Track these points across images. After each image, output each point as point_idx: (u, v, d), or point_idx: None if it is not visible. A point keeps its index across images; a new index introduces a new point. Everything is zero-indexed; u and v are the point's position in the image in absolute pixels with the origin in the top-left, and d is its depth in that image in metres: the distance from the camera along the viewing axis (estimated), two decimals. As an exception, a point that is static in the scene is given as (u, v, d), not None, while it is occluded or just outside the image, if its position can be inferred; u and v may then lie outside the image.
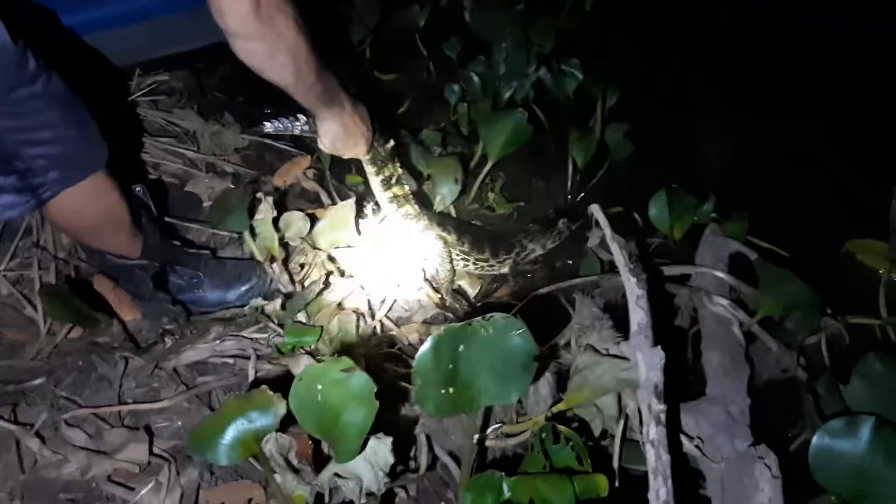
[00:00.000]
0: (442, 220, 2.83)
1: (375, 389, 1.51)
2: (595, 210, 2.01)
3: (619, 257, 1.85)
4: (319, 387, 1.53)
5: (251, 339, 2.29)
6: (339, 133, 2.22)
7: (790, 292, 2.38)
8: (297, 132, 2.31)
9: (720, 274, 2.53)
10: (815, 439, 1.92)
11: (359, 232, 2.67)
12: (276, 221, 2.48)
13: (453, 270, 2.78)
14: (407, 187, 2.69)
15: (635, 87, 3.55)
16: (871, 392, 2.09)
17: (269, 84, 1.97)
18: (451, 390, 1.60)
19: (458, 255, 2.83)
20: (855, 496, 1.88)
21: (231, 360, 2.25)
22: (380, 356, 2.33)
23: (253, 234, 2.45)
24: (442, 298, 2.67)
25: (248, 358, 2.21)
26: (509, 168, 3.33)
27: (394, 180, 2.63)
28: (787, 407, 2.44)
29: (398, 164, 2.63)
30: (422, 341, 2.47)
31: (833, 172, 3.29)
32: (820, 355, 2.57)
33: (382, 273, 2.59)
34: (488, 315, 1.63)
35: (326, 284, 2.46)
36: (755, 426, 2.08)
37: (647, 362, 1.69)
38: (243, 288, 2.45)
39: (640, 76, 3.65)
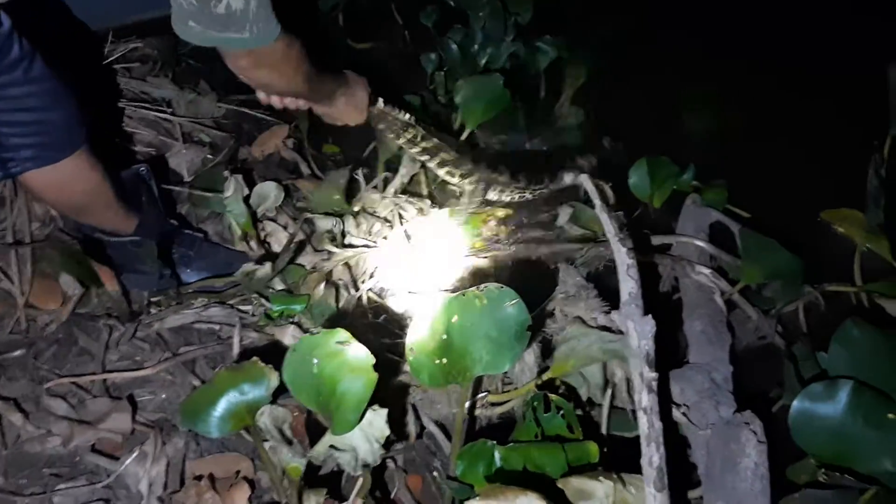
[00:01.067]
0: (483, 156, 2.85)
1: (374, 361, 1.50)
2: (584, 180, 2.01)
3: (609, 227, 1.85)
4: (315, 359, 1.52)
5: (237, 308, 2.28)
6: (337, 112, 2.33)
7: (773, 261, 2.40)
8: None
9: (701, 243, 2.56)
10: (795, 403, 1.95)
11: (348, 202, 2.66)
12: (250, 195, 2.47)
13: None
14: (435, 140, 2.67)
15: (611, 59, 3.55)
16: (850, 357, 2.12)
17: None
18: (444, 360, 1.61)
19: (514, 190, 2.86)
20: (835, 457, 1.92)
21: (216, 327, 2.24)
22: (364, 327, 2.32)
23: (230, 211, 2.44)
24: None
25: (233, 325, 2.19)
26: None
27: (418, 138, 2.63)
28: (767, 372, 2.47)
29: (420, 127, 2.61)
30: (408, 311, 2.53)
31: (809, 142, 3.31)
32: (797, 322, 2.61)
33: (369, 241, 2.57)
34: (482, 285, 1.63)
35: (299, 250, 2.45)
36: (738, 392, 2.11)
37: (638, 331, 1.69)
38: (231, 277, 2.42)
39: (618, 48, 3.64)
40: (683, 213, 2.75)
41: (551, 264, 2.67)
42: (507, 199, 2.90)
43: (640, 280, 1.79)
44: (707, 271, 2.45)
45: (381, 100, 2.51)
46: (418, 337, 1.59)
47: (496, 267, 2.71)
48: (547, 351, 2.09)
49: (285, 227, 2.55)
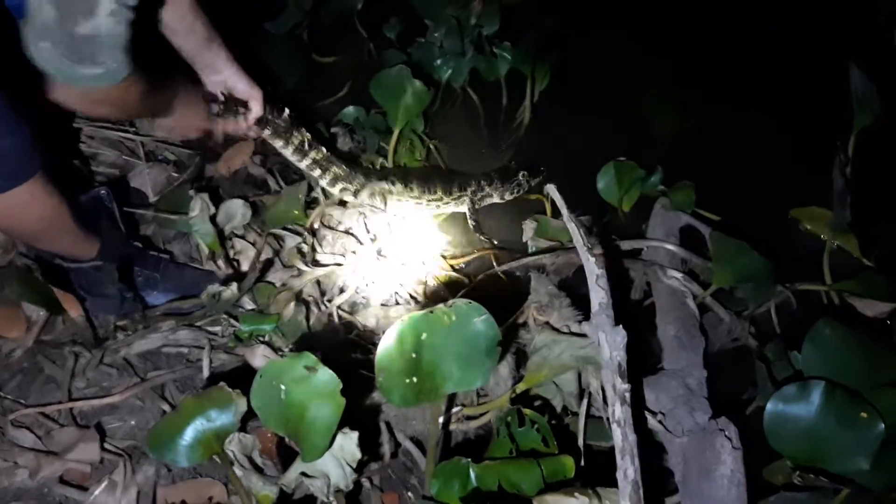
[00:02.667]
0: (380, 172, 2.84)
1: (342, 386, 1.48)
2: (551, 190, 1.99)
3: (577, 238, 1.84)
4: (282, 385, 1.49)
5: (205, 330, 2.24)
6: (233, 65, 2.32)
7: (744, 264, 2.41)
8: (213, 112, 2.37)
9: (672, 247, 2.57)
10: (769, 406, 1.98)
11: (306, 214, 2.64)
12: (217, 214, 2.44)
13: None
14: (324, 149, 2.67)
15: (573, 62, 3.55)
16: (822, 357, 2.15)
17: None
18: (414, 379, 1.59)
19: (407, 201, 2.84)
20: (809, 458, 1.95)
21: (185, 350, 2.20)
22: (336, 344, 2.29)
23: (196, 231, 2.40)
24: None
25: (202, 348, 2.16)
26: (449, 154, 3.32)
27: (306, 146, 2.63)
28: (740, 374, 2.48)
29: (304, 130, 2.62)
30: (379, 326, 2.51)
31: (776, 142, 3.33)
32: (769, 322, 2.62)
33: (338, 256, 2.55)
34: (450, 301, 1.61)
35: (266, 269, 2.42)
36: (712, 396, 2.12)
37: (609, 342, 1.68)
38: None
39: (580, 51, 3.63)
40: (653, 217, 2.76)
41: (522, 274, 2.68)
42: (427, 208, 2.91)
43: (609, 290, 1.78)
44: (679, 275, 2.45)
45: (286, 109, 2.52)
46: (387, 357, 1.57)
47: (466, 278, 2.72)
48: (521, 361, 2.08)
49: (253, 245, 2.51)
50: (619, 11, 3.82)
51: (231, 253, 2.50)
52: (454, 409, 2.05)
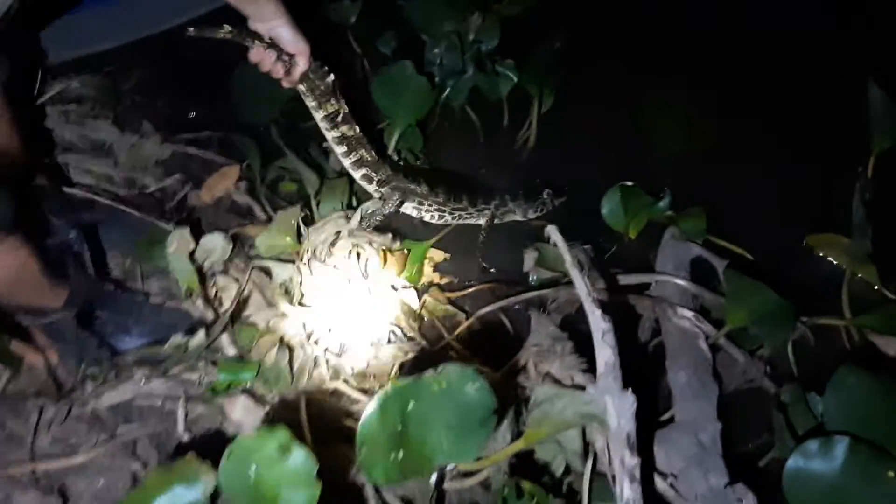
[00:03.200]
0: (408, 170, 2.75)
1: (318, 468, 1.33)
2: (552, 231, 1.84)
3: (581, 286, 1.69)
4: (253, 465, 1.34)
5: (181, 378, 2.09)
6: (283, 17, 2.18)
7: (760, 303, 2.26)
8: (220, 37, 2.19)
9: (683, 282, 2.42)
10: (789, 462, 1.85)
11: (299, 241, 2.49)
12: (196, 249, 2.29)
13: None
14: (358, 129, 2.58)
15: (579, 81, 3.39)
16: (845, 407, 2.01)
17: (193, 83, 2.08)
18: (400, 454, 1.44)
19: (431, 206, 2.77)
20: (831, 519, 1.81)
21: (158, 403, 2.04)
22: (321, 393, 2.15)
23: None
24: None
25: (177, 399, 2.01)
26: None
27: (339, 118, 2.53)
28: (756, 418, 2.33)
29: (343, 102, 2.51)
30: (369, 368, 2.36)
31: (792, 163, 3.17)
32: (785, 360, 2.47)
33: (326, 295, 2.39)
34: (440, 367, 1.46)
35: (242, 306, 2.28)
36: (727, 451, 1.96)
37: (617, 408, 1.53)
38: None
39: (585, 70, 3.48)
40: (662, 248, 2.60)
41: (523, 307, 2.54)
42: (427, 216, 2.81)
43: (617, 346, 1.63)
44: (690, 314, 2.30)
45: (331, 75, 2.43)
46: (369, 429, 1.42)
47: (464, 312, 2.58)
48: (521, 412, 1.92)
49: (237, 281, 2.36)
50: (627, 28, 3.66)
51: (213, 290, 2.35)
52: (448, 466, 1.90)
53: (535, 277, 2.69)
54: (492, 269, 2.83)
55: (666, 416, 2.20)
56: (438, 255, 2.83)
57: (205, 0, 2.82)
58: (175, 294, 2.39)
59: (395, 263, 2.57)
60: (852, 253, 2.68)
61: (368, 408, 1.42)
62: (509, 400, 1.94)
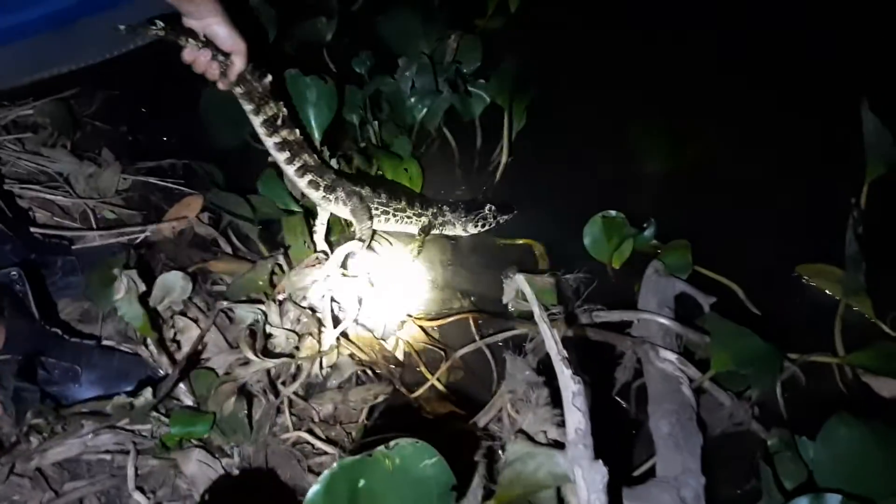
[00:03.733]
0: (350, 175, 2.65)
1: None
2: (520, 281, 1.73)
3: (551, 343, 1.56)
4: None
5: (132, 430, 1.97)
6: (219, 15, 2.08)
7: (745, 348, 2.13)
8: (151, 34, 2.09)
9: (666, 321, 2.29)
10: (778, 525, 1.72)
11: (272, 283, 2.37)
12: (149, 290, 2.16)
13: (371, 227, 2.60)
14: (299, 132, 2.44)
15: (554, 101, 3.28)
16: (836, 461, 1.89)
17: (155, 107, 2.27)
18: (350, 537, 1.31)
19: (376, 208, 2.63)
20: (821, 582, 1.69)
21: (108, 457, 1.93)
22: (284, 445, 2.03)
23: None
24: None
25: (127, 453, 1.89)
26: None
27: (279, 121, 2.38)
28: (742, 464, 2.22)
29: (282, 105, 2.37)
30: (338, 412, 2.24)
31: (780, 189, 3.06)
32: (774, 400, 2.34)
33: (294, 338, 2.27)
34: (392, 442, 1.34)
35: (201, 349, 2.16)
36: (711, 505, 1.85)
37: (587, 480, 1.41)
38: (128, 389, 2.05)
39: (562, 89, 3.36)
40: (645, 284, 2.48)
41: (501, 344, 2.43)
42: (393, 219, 2.70)
43: (588, 411, 1.51)
44: (673, 357, 2.18)
45: (269, 76, 2.31)
46: (314, 513, 1.29)
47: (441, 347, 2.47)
48: (492, 464, 1.81)
49: (196, 322, 2.23)
50: (604, 43, 3.54)
51: (172, 332, 2.22)
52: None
53: (514, 310, 2.58)
54: (471, 298, 2.73)
55: (646, 466, 2.09)
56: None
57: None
58: (132, 337, 2.27)
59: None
60: (845, 284, 2.56)
61: (312, 488, 1.29)
62: (480, 454, 1.84)
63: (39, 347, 1.99)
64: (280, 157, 2.43)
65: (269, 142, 2.40)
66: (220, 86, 2.24)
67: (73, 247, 2.40)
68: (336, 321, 2.30)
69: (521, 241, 2.94)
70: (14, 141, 2.66)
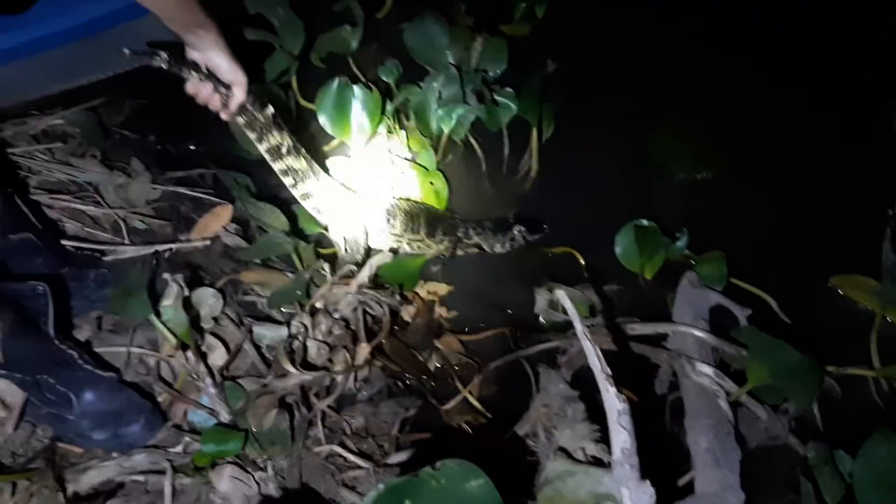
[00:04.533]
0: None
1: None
2: (561, 297, 1.69)
3: (594, 360, 1.54)
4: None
5: (163, 448, 1.95)
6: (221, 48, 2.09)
7: (783, 362, 2.10)
8: (156, 65, 2.11)
9: (702, 334, 2.26)
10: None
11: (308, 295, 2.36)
12: (188, 300, 2.15)
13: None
14: (304, 161, 2.50)
15: (583, 107, 3.26)
16: (877, 479, 1.87)
17: (184, 115, 2.21)
18: (394, 561, 1.29)
19: (388, 238, 2.66)
20: None
21: (141, 478, 1.90)
22: (317, 459, 2.01)
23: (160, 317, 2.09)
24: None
25: (163, 473, 1.87)
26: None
27: (284, 150, 2.45)
28: (780, 478, 2.20)
29: (286, 133, 2.44)
30: (369, 424, 2.22)
31: (816, 195, 3.03)
32: (811, 413, 2.32)
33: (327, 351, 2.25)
34: (438, 463, 1.32)
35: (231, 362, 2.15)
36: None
37: (634, 501, 1.39)
38: (124, 430, 1.93)
39: (590, 96, 3.33)
40: (679, 295, 2.45)
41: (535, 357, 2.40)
42: (408, 247, 2.71)
43: (634, 430, 1.48)
44: (709, 370, 2.15)
45: (270, 107, 2.37)
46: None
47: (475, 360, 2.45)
48: (528, 483, 1.79)
49: (221, 339, 2.21)
50: (633, 48, 3.51)
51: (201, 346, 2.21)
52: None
53: (547, 321, 2.56)
54: (507, 310, 2.70)
55: (684, 480, 2.06)
56: (442, 287, 2.71)
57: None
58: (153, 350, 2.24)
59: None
60: (881, 295, 2.53)
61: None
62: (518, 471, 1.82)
63: (44, 368, 1.88)
64: (286, 181, 2.54)
65: (275, 167, 2.50)
66: (223, 116, 2.27)
67: (105, 258, 2.39)
68: (370, 335, 2.28)
69: (558, 251, 2.90)
70: (44, 150, 2.65)
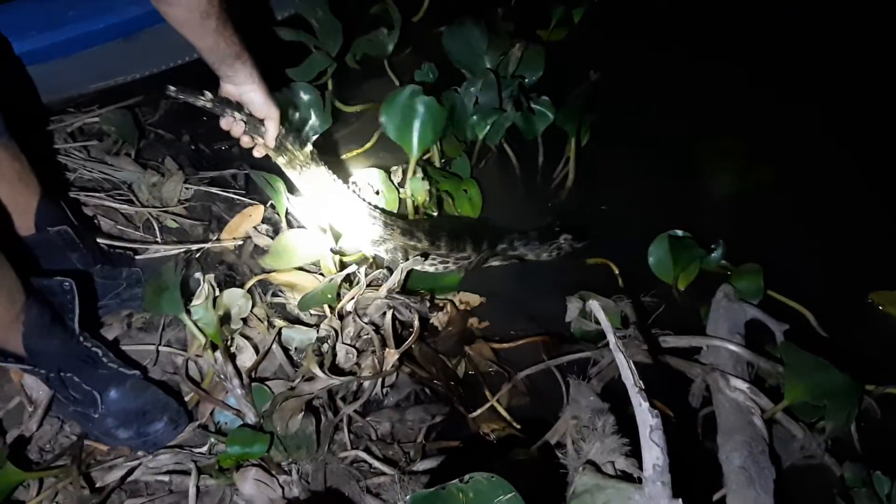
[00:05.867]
0: (404, 223, 2.58)
1: None
2: (595, 308, 1.66)
3: (627, 374, 1.51)
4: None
5: (189, 448, 1.95)
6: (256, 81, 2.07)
7: (822, 381, 2.03)
8: (199, 104, 2.11)
9: (737, 348, 2.21)
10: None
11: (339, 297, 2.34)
12: (218, 300, 2.14)
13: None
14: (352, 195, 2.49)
15: (620, 114, 3.22)
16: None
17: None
18: (420, 575, 1.27)
19: (435, 259, 2.60)
20: None
21: (165, 478, 1.90)
22: (342, 464, 1.99)
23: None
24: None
25: (188, 473, 1.87)
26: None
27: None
28: (814, 498, 2.15)
29: (325, 169, 2.41)
30: (395, 430, 2.20)
31: (853, 215, 2.96)
32: (848, 433, 2.26)
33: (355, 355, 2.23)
34: (467, 476, 1.30)
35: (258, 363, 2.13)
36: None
37: (667, 522, 1.35)
38: (148, 428, 1.93)
39: (628, 102, 3.29)
40: (714, 309, 2.40)
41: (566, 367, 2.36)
42: (431, 269, 2.64)
43: (666, 446, 1.44)
44: (744, 387, 2.10)
45: (309, 145, 2.35)
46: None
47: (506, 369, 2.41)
48: (555, 496, 1.75)
49: (249, 340, 2.20)
50: (676, 57, 3.47)
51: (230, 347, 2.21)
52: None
53: (578, 330, 2.52)
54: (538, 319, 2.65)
55: (717, 497, 2.02)
56: (474, 298, 2.68)
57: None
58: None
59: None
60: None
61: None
62: (545, 483, 1.79)
63: (68, 365, 1.88)
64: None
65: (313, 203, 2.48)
66: (256, 153, 2.28)
67: (137, 257, 2.40)
68: (399, 340, 2.26)
69: (592, 261, 2.86)
70: (80, 148, 2.68)
